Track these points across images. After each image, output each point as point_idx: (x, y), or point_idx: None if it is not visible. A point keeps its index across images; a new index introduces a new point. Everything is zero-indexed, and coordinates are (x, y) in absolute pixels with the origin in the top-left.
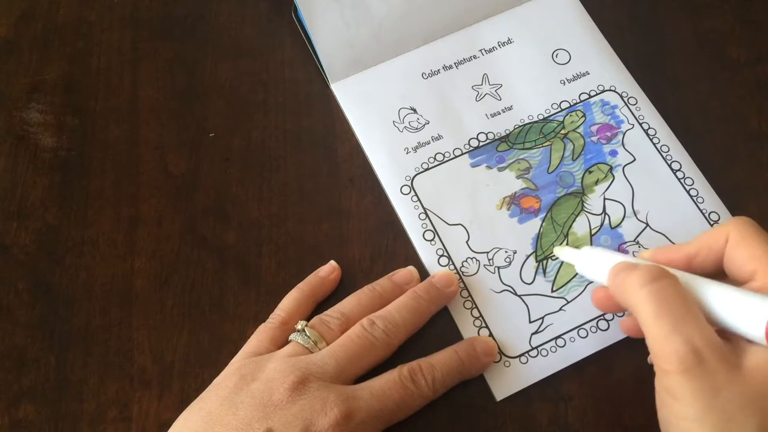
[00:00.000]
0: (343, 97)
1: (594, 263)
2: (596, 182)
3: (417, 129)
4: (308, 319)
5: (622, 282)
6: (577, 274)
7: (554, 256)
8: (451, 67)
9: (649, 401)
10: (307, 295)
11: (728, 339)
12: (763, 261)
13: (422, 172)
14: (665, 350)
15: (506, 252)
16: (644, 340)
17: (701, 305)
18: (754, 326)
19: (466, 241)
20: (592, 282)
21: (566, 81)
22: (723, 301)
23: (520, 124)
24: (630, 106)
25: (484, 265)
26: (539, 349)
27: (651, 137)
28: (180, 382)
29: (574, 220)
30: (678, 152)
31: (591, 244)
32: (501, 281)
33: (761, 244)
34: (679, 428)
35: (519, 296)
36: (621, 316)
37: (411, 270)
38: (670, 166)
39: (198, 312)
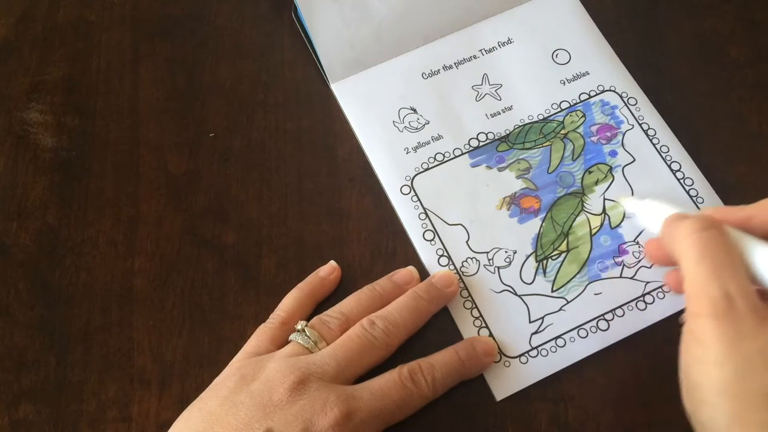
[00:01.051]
0: (343, 97)
1: (653, 214)
2: (596, 182)
3: (417, 129)
4: (308, 319)
5: (673, 230)
6: (577, 273)
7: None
8: (451, 67)
9: (649, 401)
10: (307, 295)
11: (766, 298)
12: None
13: (422, 172)
14: (700, 293)
15: (506, 252)
16: (649, 335)
17: (745, 261)
18: None
19: (466, 241)
20: (591, 282)
21: (566, 81)
22: (765, 259)
23: (520, 124)
24: (630, 107)
25: (484, 265)
26: (539, 349)
27: (651, 137)
28: (180, 382)
29: (574, 220)
30: (678, 152)
31: (591, 245)
32: (501, 281)
33: None
34: (699, 372)
35: (519, 296)
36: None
37: (411, 270)
38: (669, 166)
39: (198, 312)
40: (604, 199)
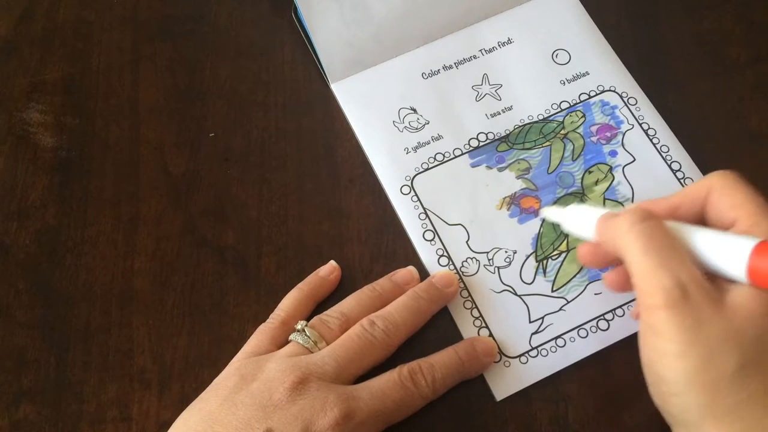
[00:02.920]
0: (343, 97)
1: (580, 219)
2: (596, 182)
3: (417, 129)
4: (308, 319)
5: (610, 227)
6: (577, 273)
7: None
8: (451, 67)
9: (649, 401)
10: (307, 295)
11: (712, 281)
12: (744, 208)
13: (422, 172)
14: (651, 285)
15: (506, 252)
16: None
17: (686, 248)
18: (735, 265)
19: (466, 241)
20: (592, 282)
21: (566, 81)
22: (706, 243)
23: (520, 124)
24: (630, 107)
25: (484, 265)
26: (539, 349)
27: (651, 137)
28: (180, 382)
29: None
30: (678, 152)
31: None
32: (501, 281)
33: (741, 193)
34: (661, 365)
35: (519, 296)
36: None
37: (411, 270)
38: (669, 166)
39: (198, 312)
40: (604, 200)
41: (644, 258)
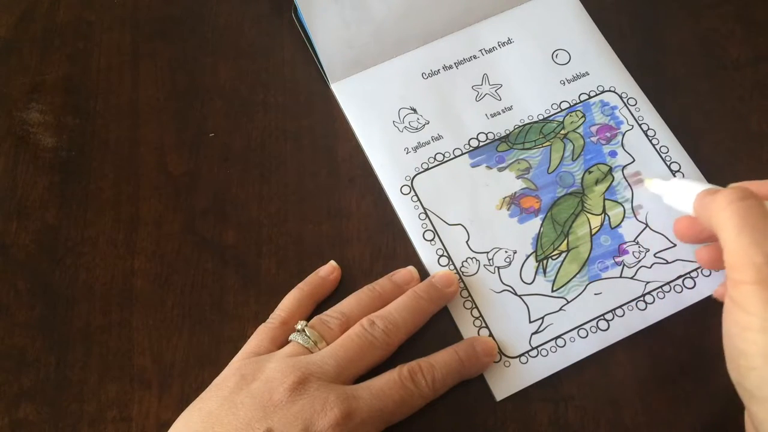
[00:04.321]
0: (343, 97)
1: (681, 193)
2: (596, 182)
3: (417, 129)
4: (308, 319)
5: (710, 202)
6: (577, 273)
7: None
8: (451, 67)
9: (649, 401)
10: (307, 295)
11: None
12: None
13: (422, 172)
14: (742, 261)
15: (506, 252)
16: (649, 335)
17: None
18: None
19: (466, 241)
20: (592, 282)
21: (566, 81)
22: None
23: (520, 124)
24: (629, 107)
25: (484, 265)
26: (539, 349)
27: (650, 138)
28: (180, 382)
29: (574, 220)
30: (677, 153)
31: (591, 244)
32: (501, 281)
33: None
34: (744, 339)
35: (519, 296)
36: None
37: (411, 270)
38: (669, 166)
39: (198, 312)
40: (604, 199)
41: (738, 235)
